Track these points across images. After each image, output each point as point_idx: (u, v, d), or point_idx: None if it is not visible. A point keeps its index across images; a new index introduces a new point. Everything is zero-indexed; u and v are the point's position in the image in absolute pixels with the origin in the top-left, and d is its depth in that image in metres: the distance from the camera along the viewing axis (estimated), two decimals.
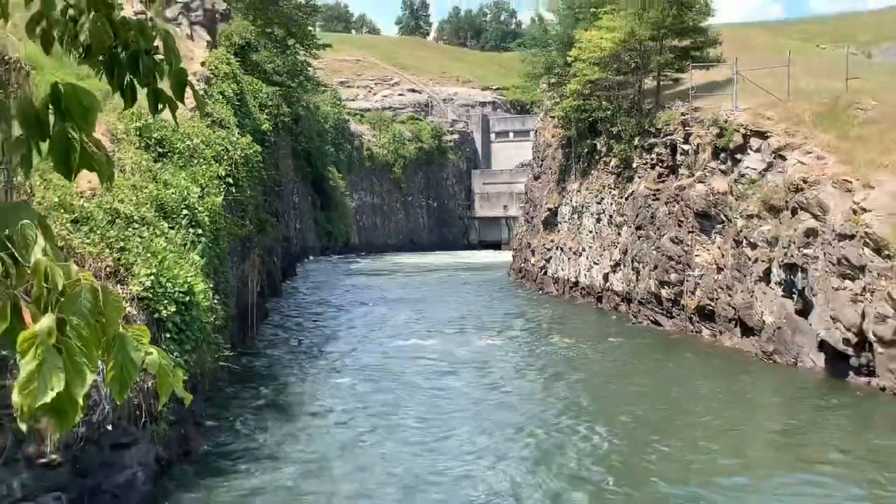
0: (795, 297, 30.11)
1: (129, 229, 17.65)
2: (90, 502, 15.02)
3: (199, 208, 21.61)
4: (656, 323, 39.39)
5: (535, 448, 20.61)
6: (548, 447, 20.65)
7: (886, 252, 25.63)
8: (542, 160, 58.82)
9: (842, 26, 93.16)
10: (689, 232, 37.11)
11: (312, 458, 19.59)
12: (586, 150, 49.18)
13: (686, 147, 38.70)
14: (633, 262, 42.07)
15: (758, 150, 34.00)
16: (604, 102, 45.38)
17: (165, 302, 17.06)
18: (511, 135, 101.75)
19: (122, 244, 17.01)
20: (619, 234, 44.34)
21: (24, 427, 2.61)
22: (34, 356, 2.39)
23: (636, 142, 42.78)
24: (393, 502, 16.84)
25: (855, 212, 27.50)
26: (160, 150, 22.85)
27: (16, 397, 2.39)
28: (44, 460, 13.91)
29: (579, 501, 16.96)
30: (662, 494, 17.37)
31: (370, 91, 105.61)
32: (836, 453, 20.23)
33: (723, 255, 34.68)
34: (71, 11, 3.17)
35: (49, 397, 2.37)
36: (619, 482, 18.05)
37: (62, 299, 2.52)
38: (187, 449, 18.90)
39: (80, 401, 2.46)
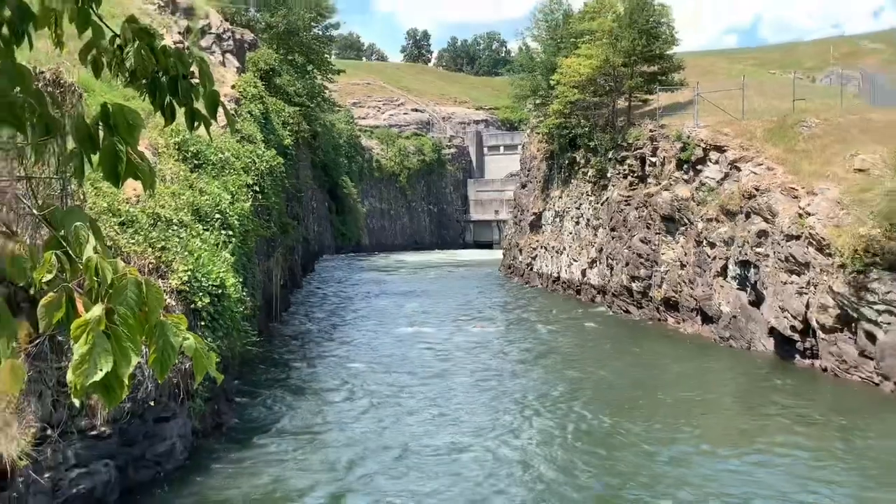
0: (749, 289, 30.18)
1: (169, 231, 17.67)
2: (135, 469, 15.04)
3: (230, 213, 21.62)
4: (627, 312, 39.43)
5: (521, 421, 20.63)
6: (532, 420, 20.67)
7: (828, 251, 25.68)
8: (529, 171, 58.87)
9: (789, 54, 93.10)
10: (657, 233, 37.17)
11: (324, 430, 19.63)
12: (567, 161, 49.24)
13: (654, 159, 38.75)
14: (607, 259, 42.12)
15: (716, 162, 34.06)
16: (582, 120, 45.46)
17: (201, 294, 17.08)
18: (501, 149, 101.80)
19: (162, 244, 17.03)
20: (595, 235, 44.39)
21: (77, 402, 2.61)
22: (86, 341, 2.40)
23: (610, 155, 42.84)
24: (393, 467, 16.86)
25: (800, 216, 27.55)
26: (196, 161, 22.86)
27: (70, 376, 2.39)
28: (94, 432, 13.93)
29: (563, 467, 16.99)
30: (637, 460, 17.40)
31: (379, 110, 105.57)
32: (783, 427, 20.26)
33: (685, 254, 34.73)
34: (118, 41, 3.18)
35: (98, 377, 2.38)
36: (600, 449, 18.09)
37: (110, 291, 2.52)
38: (219, 422, 18.92)
39: (126, 380, 2.46)
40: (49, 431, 12.83)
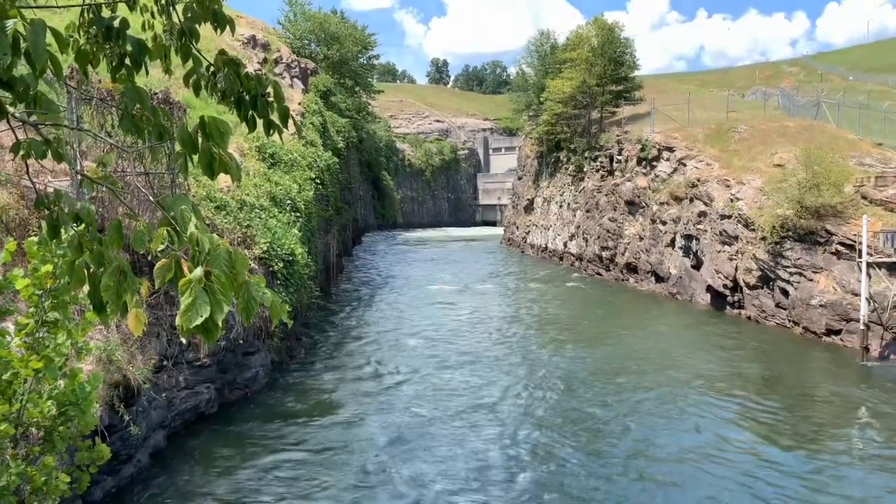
0: (691, 256, 29.99)
1: (252, 213, 17.73)
2: (229, 390, 15.25)
3: (298, 199, 21.65)
4: (599, 274, 39.29)
5: (515, 352, 20.69)
6: (524, 349, 20.73)
7: (752, 227, 25.45)
8: (524, 167, 58.48)
9: (724, 76, 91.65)
10: (621, 214, 36.91)
11: (368, 360, 19.78)
12: (553, 160, 48.86)
13: (619, 157, 38.38)
14: (583, 234, 41.91)
15: (667, 160, 33.71)
16: (565, 128, 45.00)
17: (277, 260, 17.18)
18: (503, 150, 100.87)
19: (247, 223, 17.10)
20: (574, 215, 44.14)
21: (184, 340, 2.64)
22: (190, 294, 2.42)
23: (586, 154, 42.47)
24: (415, 378, 17.00)
25: (732, 200, 27.28)
26: (272, 160, 22.86)
27: (178, 321, 2.43)
28: (199, 363, 14.12)
29: (541, 377, 17.06)
30: (595, 372, 17.43)
31: (409, 121, 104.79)
32: (715, 361, 20.20)
33: (643, 229, 34.49)
34: (212, 69, 3.18)
35: (199, 321, 2.40)
36: (574, 371, 18.14)
37: (208, 257, 2.54)
38: (291, 355, 19.13)
39: (220, 324, 2.49)
40: (165, 362, 13.03)
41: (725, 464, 12.49)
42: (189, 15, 3.17)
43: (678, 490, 11.49)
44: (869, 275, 20.41)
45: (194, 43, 3.20)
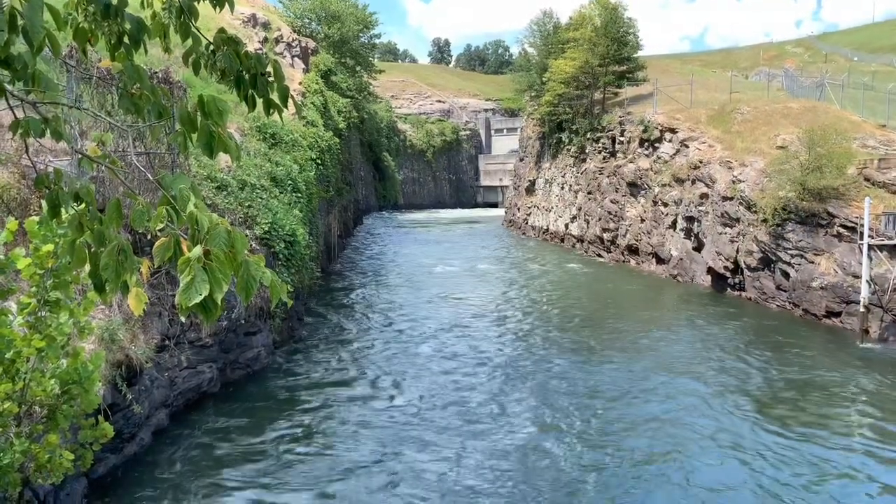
0: (692, 238, 29.98)
1: (253, 193, 17.71)
2: (231, 370, 15.33)
3: (299, 179, 21.61)
4: (600, 256, 39.31)
5: (516, 340, 20.75)
6: (525, 336, 20.78)
7: (754, 209, 25.42)
8: (525, 148, 58.25)
9: (728, 57, 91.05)
10: (623, 196, 36.84)
11: (369, 339, 19.85)
12: (555, 141, 48.67)
13: (622, 139, 38.23)
14: (585, 215, 41.85)
15: (670, 141, 33.58)
16: (567, 109, 44.78)
17: (278, 241, 17.19)
18: (504, 131, 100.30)
19: (248, 203, 17.09)
20: (576, 197, 44.06)
21: (183, 319, 2.66)
22: (189, 273, 2.44)
23: (588, 135, 42.29)
24: (418, 361, 17.08)
25: (734, 182, 27.21)
26: (272, 140, 22.78)
27: (177, 299, 2.44)
28: (200, 342, 14.18)
29: (548, 354, 17.14)
30: (605, 357, 17.51)
31: (411, 101, 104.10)
32: (715, 341, 20.26)
33: (645, 211, 34.45)
34: (212, 47, 3.16)
35: (198, 299, 2.42)
36: (575, 348, 18.22)
37: (207, 236, 2.55)
38: (293, 335, 19.20)
39: (219, 302, 2.51)
40: (167, 342, 13.09)
41: (723, 445, 12.58)
42: None
43: (675, 470, 11.59)
44: (870, 257, 20.41)
45: (193, 21, 3.18)
